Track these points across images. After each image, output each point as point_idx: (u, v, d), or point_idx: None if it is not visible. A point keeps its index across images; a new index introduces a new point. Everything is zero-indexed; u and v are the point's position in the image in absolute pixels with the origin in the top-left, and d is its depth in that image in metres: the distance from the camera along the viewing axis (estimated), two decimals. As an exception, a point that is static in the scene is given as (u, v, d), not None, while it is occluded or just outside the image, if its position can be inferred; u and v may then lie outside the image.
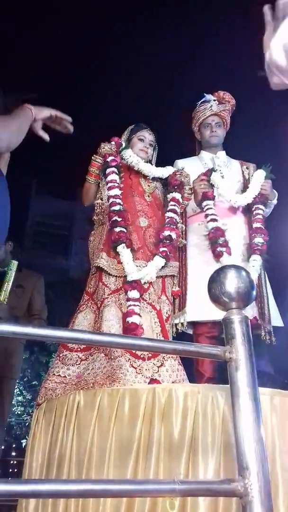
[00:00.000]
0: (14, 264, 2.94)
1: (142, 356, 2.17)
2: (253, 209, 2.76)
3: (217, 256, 2.56)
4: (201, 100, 3.02)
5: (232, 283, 1.08)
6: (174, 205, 2.64)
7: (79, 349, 2.24)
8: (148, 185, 2.75)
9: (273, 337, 2.60)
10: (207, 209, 2.66)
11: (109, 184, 2.51)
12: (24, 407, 10.22)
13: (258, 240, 2.67)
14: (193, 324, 2.69)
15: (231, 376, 1.02)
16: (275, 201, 2.85)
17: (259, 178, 2.78)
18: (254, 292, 1.12)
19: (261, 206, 2.76)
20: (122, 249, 2.35)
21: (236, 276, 1.09)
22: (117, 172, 2.55)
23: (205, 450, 1.58)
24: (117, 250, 2.36)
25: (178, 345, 1.00)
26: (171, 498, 0.84)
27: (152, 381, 2.06)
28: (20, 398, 10.14)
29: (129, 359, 2.14)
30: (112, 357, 2.10)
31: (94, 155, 2.60)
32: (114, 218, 2.42)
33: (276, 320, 2.65)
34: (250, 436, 0.96)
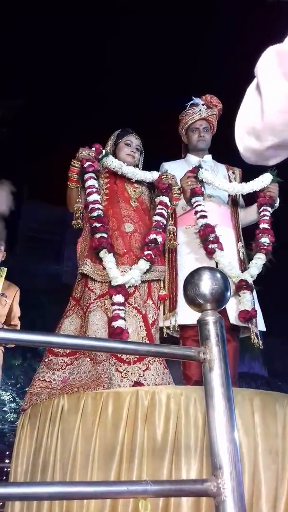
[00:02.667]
0: (4, 271, 2.95)
1: (127, 360, 2.18)
2: (260, 210, 2.81)
3: (210, 253, 2.58)
4: (189, 103, 3.04)
5: (206, 285, 1.10)
6: (162, 209, 2.65)
7: (64, 354, 2.24)
8: (134, 191, 2.76)
9: (260, 341, 2.61)
10: (197, 205, 2.68)
11: (88, 190, 2.51)
12: (17, 414, 10.16)
13: (265, 240, 2.70)
14: (180, 328, 2.69)
15: (205, 377, 1.03)
16: (277, 205, 2.89)
17: (263, 179, 2.80)
18: (229, 293, 1.13)
19: (268, 208, 2.80)
20: (104, 254, 2.36)
21: (210, 277, 1.11)
22: (95, 177, 2.55)
23: (188, 451, 1.59)
24: (100, 256, 2.36)
25: (152, 347, 1.02)
26: (144, 498, 0.85)
27: (136, 384, 2.07)
28: (13, 405, 10.08)
29: (114, 363, 2.15)
30: (97, 361, 2.11)
31: (73, 160, 2.60)
32: (94, 224, 2.43)
33: (261, 324, 2.67)
34: (223, 436, 0.97)
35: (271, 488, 1.69)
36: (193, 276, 1.11)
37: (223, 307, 1.14)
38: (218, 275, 1.12)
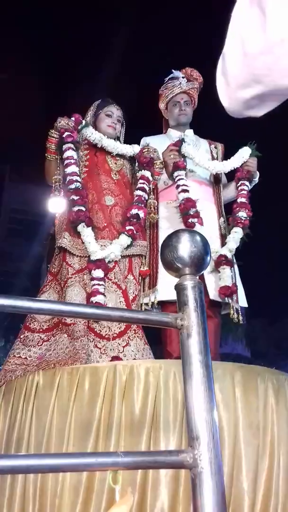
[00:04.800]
0: None
1: (106, 336, 2.12)
2: (238, 184, 2.75)
3: (189, 227, 2.52)
4: (169, 77, 2.95)
5: (185, 248, 1.03)
6: (143, 183, 2.57)
7: (41, 330, 2.17)
8: (115, 163, 2.67)
9: (240, 316, 2.58)
10: (179, 179, 2.61)
11: (66, 161, 2.40)
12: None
13: (242, 214, 2.66)
14: (161, 304, 2.65)
15: (182, 344, 0.97)
16: (256, 180, 2.83)
17: (243, 153, 2.76)
18: (209, 258, 1.07)
19: (246, 182, 2.75)
20: (82, 228, 2.28)
21: (189, 240, 1.03)
22: (74, 148, 2.45)
23: (167, 426, 1.54)
24: (78, 230, 2.28)
25: (126, 313, 0.95)
26: (115, 471, 0.79)
27: (114, 358, 2.01)
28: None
29: (93, 339, 2.09)
30: (75, 337, 2.04)
31: (51, 130, 2.48)
32: (71, 197, 2.33)
33: (242, 300, 2.63)
34: (201, 405, 0.91)
35: (252, 463, 1.66)
36: (171, 239, 1.04)
37: (203, 271, 1.08)
38: (198, 238, 1.05)
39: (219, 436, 0.93)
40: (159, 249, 2.56)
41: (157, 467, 1.01)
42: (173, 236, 1.04)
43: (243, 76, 0.81)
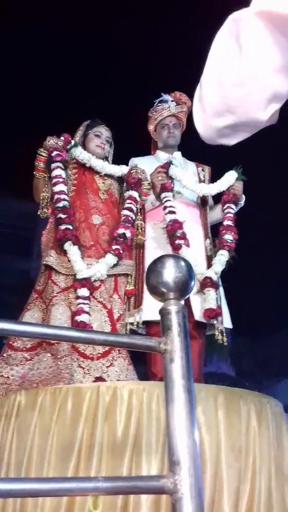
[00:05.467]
0: None
1: (90, 356, 2.11)
2: (224, 208, 2.79)
3: (176, 248, 2.55)
4: (158, 100, 3.01)
5: (170, 273, 1.05)
6: (131, 203, 2.60)
7: (24, 349, 2.16)
8: (103, 182, 2.70)
9: (225, 338, 2.59)
10: (166, 201, 2.65)
11: (54, 180, 2.42)
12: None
13: (228, 237, 2.69)
14: (146, 324, 2.65)
15: (165, 369, 0.98)
16: (242, 203, 2.88)
17: (229, 177, 2.81)
18: (193, 283, 1.09)
19: (232, 205, 2.79)
20: (69, 246, 2.29)
21: (174, 265, 1.06)
22: (63, 168, 2.47)
23: (149, 448, 1.54)
24: (64, 248, 2.29)
25: (111, 336, 0.96)
26: (95, 496, 0.79)
27: (98, 379, 2.00)
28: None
29: (77, 359, 2.08)
30: (59, 357, 2.03)
31: (40, 149, 2.51)
32: (58, 216, 2.35)
33: (227, 321, 2.65)
34: (182, 430, 0.92)
35: (233, 486, 1.66)
36: (156, 264, 1.06)
37: (187, 296, 1.10)
38: (182, 263, 1.07)
39: (200, 460, 0.93)
40: (145, 269, 2.60)
41: (138, 492, 1.01)
42: (158, 262, 1.06)
43: (218, 105, 0.84)
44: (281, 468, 1.83)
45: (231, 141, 0.89)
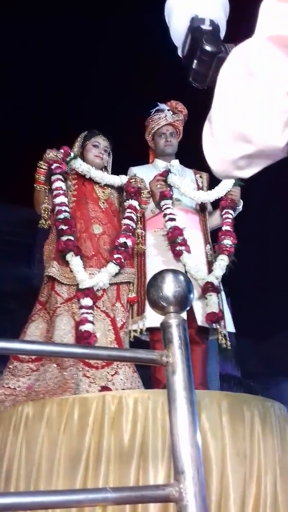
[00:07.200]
0: None
1: (95, 365, 2.14)
2: (222, 213, 2.84)
3: (177, 255, 2.59)
4: (155, 109, 3.06)
5: (169, 288, 1.08)
6: (131, 212, 2.64)
7: (30, 360, 2.19)
8: (103, 192, 2.74)
9: (228, 342, 2.63)
10: (165, 208, 2.70)
11: (54, 192, 2.47)
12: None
13: (227, 242, 2.73)
14: (150, 331, 2.68)
15: (168, 380, 1.01)
16: (240, 208, 2.92)
17: (227, 183, 2.84)
18: (192, 296, 1.12)
19: (230, 211, 2.83)
20: (71, 257, 2.33)
21: (173, 280, 1.09)
22: (63, 179, 2.52)
23: (155, 456, 1.57)
24: (66, 259, 2.33)
25: (114, 351, 1.00)
26: (104, 506, 0.82)
27: (103, 388, 2.04)
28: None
29: (82, 368, 2.11)
30: (64, 367, 2.07)
31: (40, 162, 2.55)
32: (60, 227, 2.39)
33: (230, 326, 2.68)
34: (186, 440, 0.95)
35: (239, 490, 1.69)
36: (156, 279, 1.10)
37: (186, 309, 1.14)
38: (181, 277, 1.11)
39: (203, 467, 0.97)
40: (147, 276, 2.64)
41: (145, 501, 1.04)
42: (158, 277, 1.10)
43: (232, 137, 0.81)
44: (286, 471, 1.86)
45: (246, 173, 0.86)
